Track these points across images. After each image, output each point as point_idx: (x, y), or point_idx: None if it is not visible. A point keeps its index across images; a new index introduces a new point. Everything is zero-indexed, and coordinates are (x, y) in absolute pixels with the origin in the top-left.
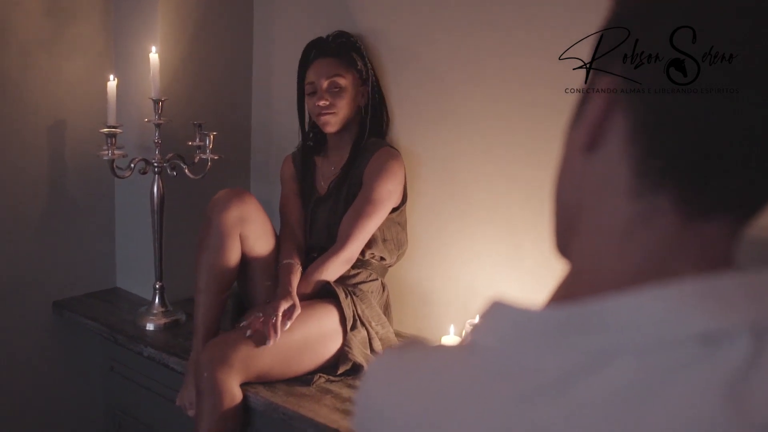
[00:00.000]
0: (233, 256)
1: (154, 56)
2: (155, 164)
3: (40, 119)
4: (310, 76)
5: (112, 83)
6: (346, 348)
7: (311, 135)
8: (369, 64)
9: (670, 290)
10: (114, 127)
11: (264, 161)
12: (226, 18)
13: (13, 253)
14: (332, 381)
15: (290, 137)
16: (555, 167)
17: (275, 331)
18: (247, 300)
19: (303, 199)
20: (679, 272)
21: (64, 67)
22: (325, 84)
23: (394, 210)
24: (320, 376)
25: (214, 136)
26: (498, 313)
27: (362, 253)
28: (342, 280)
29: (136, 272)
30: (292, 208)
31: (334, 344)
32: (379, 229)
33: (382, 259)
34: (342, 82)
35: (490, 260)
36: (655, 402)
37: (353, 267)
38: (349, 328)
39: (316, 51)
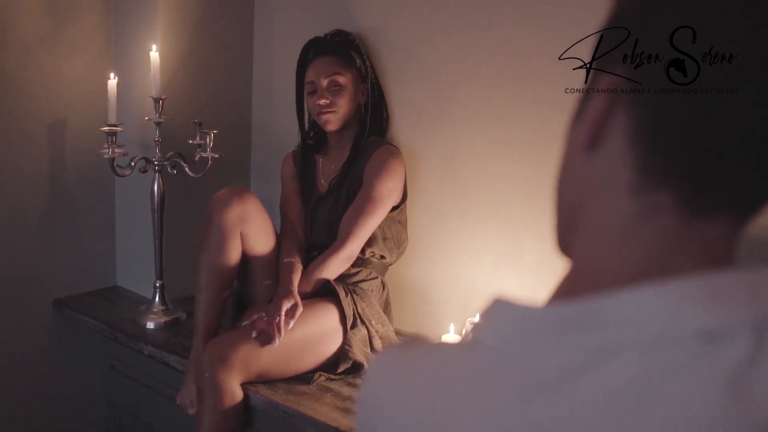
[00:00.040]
0: (234, 255)
1: (154, 55)
2: (156, 163)
3: (41, 118)
4: (310, 75)
5: (112, 82)
6: (347, 346)
7: (311, 134)
8: (368, 62)
9: (671, 288)
10: (114, 126)
11: (264, 160)
12: (227, 16)
13: (14, 252)
14: (332, 379)
15: (290, 135)
16: (555, 166)
17: (279, 331)
18: (247, 298)
19: (303, 197)
20: (680, 270)
21: (64, 65)
22: (324, 83)
23: (394, 208)
24: (320, 375)
25: (214, 134)
26: (499, 310)
27: (362, 251)
28: (342, 278)
29: (136, 270)
30: (293, 207)
31: (334, 343)
32: (380, 227)
33: (382, 257)
34: (341, 80)
35: (491, 258)
36: (656, 399)
37: (353, 265)
38: (349, 326)
39: (314, 50)
